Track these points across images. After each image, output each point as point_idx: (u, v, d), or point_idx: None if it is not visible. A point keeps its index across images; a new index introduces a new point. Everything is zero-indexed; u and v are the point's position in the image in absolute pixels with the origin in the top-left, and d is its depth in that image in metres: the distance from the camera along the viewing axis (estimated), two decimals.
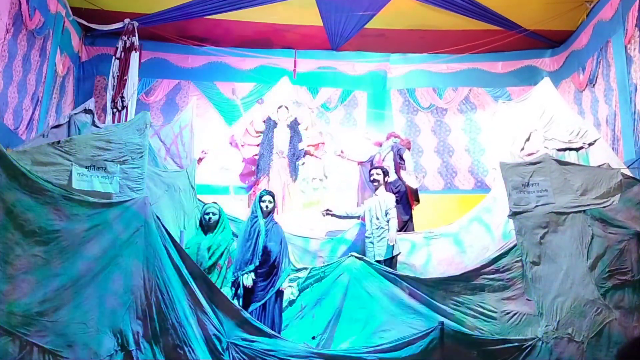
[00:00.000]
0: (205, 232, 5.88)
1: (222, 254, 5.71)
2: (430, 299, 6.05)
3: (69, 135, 6.23)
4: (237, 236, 6.07)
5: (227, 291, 5.57)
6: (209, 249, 5.70)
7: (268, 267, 5.56)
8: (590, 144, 7.93)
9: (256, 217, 5.79)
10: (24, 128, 8.04)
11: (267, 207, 5.87)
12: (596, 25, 9.38)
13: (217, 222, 5.88)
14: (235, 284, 5.56)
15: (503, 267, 6.07)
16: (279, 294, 5.63)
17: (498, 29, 10.39)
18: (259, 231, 5.66)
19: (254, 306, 5.46)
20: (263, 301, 5.48)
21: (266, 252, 5.58)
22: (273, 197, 6.02)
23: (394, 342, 4.84)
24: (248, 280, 5.47)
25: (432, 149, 11.15)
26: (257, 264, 5.52)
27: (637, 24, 7.87)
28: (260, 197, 5.91)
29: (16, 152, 5.02)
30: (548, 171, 5.59)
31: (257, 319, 5.30)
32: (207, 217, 5.90)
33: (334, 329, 6.03)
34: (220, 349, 4.68)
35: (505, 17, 10.18)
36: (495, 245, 6.84)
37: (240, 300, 5.55)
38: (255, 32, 10.85)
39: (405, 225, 8.09)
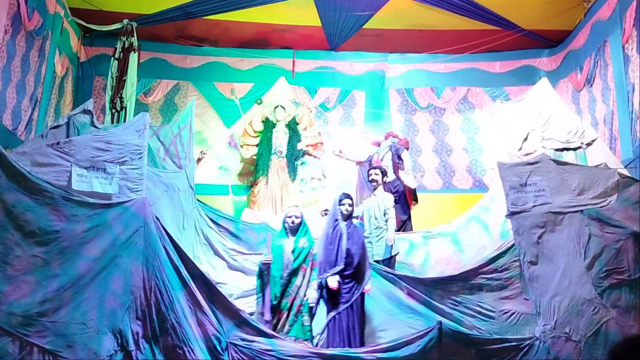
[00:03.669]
0: (288, 236, 5.91)
1: (305, 257, 5.74)
2: (429, 299, 6.07)
3: (68, 136, 6.23)
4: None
5: (311, 294, 5.61)
6: (293, 251, 5.73)
7: (353, 269, 5.59)
8: (588, 144, 7.95)
9: (337, 220, 5.83)
10: (22, 129, 8.05)
11: (346, 210, 5.90)
12: (594, 24, 9.40)
13: (299, 225, 5.91)
14: (320, 286, 5.60)
15: (501, 266, 6.11)
16: (362, 295, 5.67)
17: (496, 29, 10.42)
18: (341, 234, 5.70)
19: (341, 307, 5.49)
20: (350, 303, 5.51)
21: (349, 254, 5.61)
22: (352, 200, 6.06)
23: (393, 341, 4.86)
24: (333, 282, 5.49)
25: (431, 148, 11.18)
26: (343, 266, 5.55)
27: (634, 23, 7.89)
28: (340, 200, 5.95)
29: (16, 153, 5.02)
30: (546, 171, 5.60)
31: (345, 320, 5.40)
32: (289, 220, 5.92)
33: None
34: (220, 349, 4.69)
35: (503, 17, 10.21)
36: (493, 245, 6.87)
37: (325, 302, 5.61)
38: (254, 32, 10.86)
39: (404, 225, 8.12)
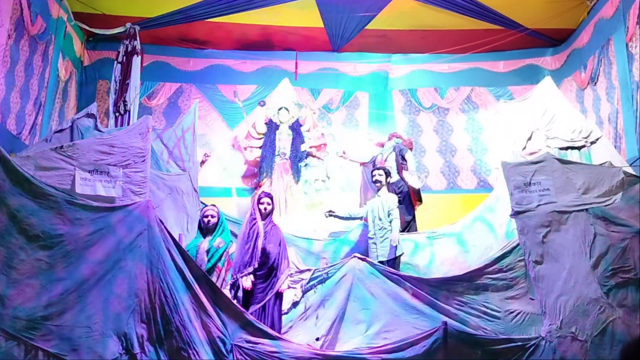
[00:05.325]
0: (204, 235, 5.88)
1: (221, 257, 5.71)
2: (434, 299, 6.05)
3: (71, 140, 6.25)
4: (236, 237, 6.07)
5: (226, 293, 5.57)
6: (207, 251, 5.71)
7: (267, 269, 5.55)
8: (592, 142, 7.92)
9: (255, 219, 5.78)
10: (26, 133, 8.08)
11: (265, 209, 5.85)
12: (597, 23, 9.37)
13: (216, 224, 5.88)
14: (235, 286, 5.55)
15: (506, 266, 6.08)
16: (278, 295, 5.62)
17: (499, 28, 10.40)
18: (257, 233, 5.64)
19: (252, 308, 5.45)
20: (262, 303, 5.47)
21: (265, 254, 5.57)
22: (271, 198, 6.01)
23: (398, 342, 4.84)
24: (247, 282, 5.45)
25: (435, 148, 11.16)
26: (256, 266, 5.51)
27: (638, 21, 7.85)
28: (259, 199, 5.91)
29: (19, 157, 5.04)
30: (550, 170, 5.57)
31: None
32: (205, 219, 5.90)
33: (338, 330, 6.04)
34: (224, 351, 4.69)
35: (506, 16, 10.19)
36: (499, 245, 6.83)
37: (240, 302, 5.53)
38: (257, 34, 10.88)
39: (408, 226, 8.09)
